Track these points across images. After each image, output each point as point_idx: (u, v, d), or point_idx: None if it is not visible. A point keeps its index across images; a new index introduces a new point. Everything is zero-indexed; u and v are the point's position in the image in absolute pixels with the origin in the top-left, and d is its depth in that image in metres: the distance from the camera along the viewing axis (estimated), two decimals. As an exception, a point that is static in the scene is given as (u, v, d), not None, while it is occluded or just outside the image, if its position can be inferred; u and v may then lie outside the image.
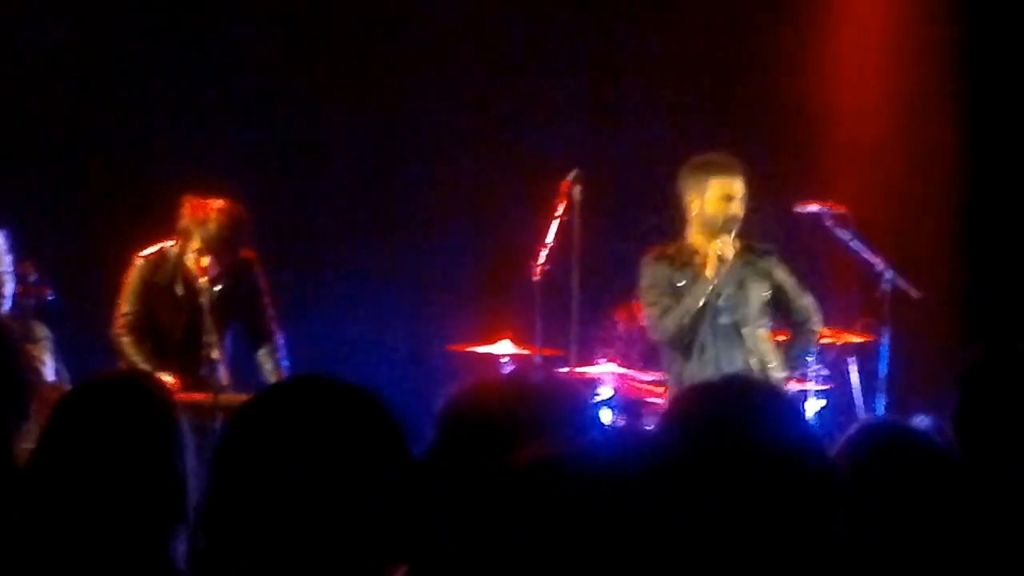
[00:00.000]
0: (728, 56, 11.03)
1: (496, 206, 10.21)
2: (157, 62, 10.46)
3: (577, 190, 8.40)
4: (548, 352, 8.75)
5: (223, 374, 8.18)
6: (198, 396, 7.99)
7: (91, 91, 10.36)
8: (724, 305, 8.10)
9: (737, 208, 8.07)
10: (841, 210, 9.02)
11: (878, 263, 9.03)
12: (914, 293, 9.07)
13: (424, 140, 10.86)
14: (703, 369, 8.07)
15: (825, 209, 9.01)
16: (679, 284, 8.14)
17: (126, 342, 8.35)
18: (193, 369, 8.18)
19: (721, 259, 8.04)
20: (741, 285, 8.18)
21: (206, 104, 10.35)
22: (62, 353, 8.34)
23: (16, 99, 10.20)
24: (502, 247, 9.65)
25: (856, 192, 9.99)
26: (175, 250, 8.33)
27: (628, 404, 9.20)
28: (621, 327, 9.44)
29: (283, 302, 8.79)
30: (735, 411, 3.16)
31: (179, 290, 8.33)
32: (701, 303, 8.07)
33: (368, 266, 10.61)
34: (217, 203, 8.32)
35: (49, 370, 8.25)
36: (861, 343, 9.34)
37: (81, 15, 10.33)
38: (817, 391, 9.11)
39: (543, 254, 8.45)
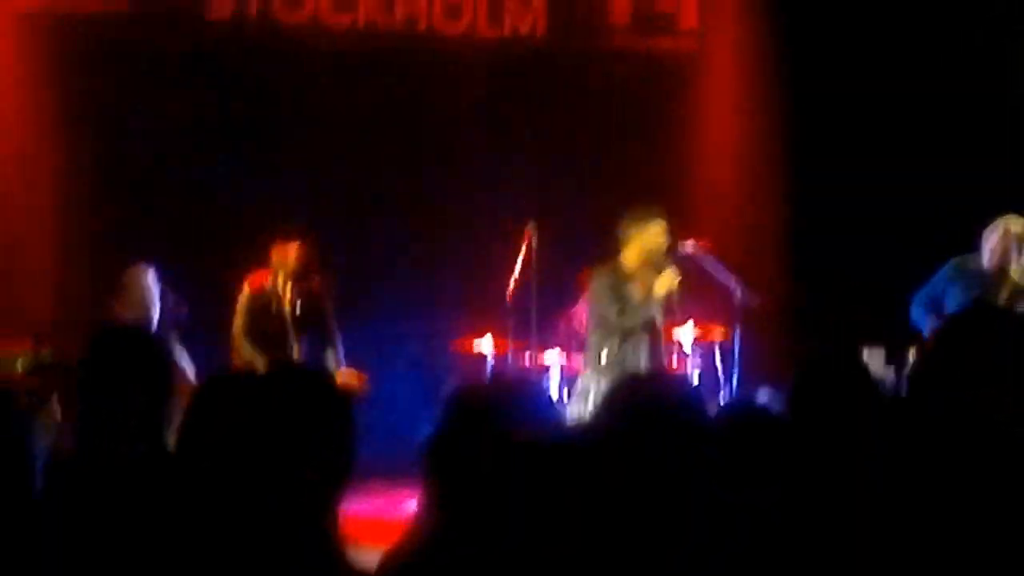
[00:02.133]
0: (629, 128, 12.13)
1: (483, 244, 11.01)
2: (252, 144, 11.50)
3: (534, 236, 10.00)
4: (517, 344, 10.30)
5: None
6: None
7: (211, 165, 11.37)
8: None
9: (665, 242, 9.30)
10: (705, 244, 10.12)
11: (732, 281, 10.15)
12: (756, 302, 10.22)
13: (435, 198, 11.86)
14: (629, 359, 9.22)
15: (696, 245, 10.07)
16: (620, 294, 9.25)
17: (243, 343, 9.77)
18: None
19: (670, 289, 9.25)
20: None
21: (283, 183, 11.39)
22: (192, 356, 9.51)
23: (154, 171, 11.37)
24: (488, 274, 10.50)
25: (716, 228, 11.05)
26: (269, 280, 9.80)
27: (570, 376, 10.35)
28: (563, 328, 10.82)
29: (340, 313, 9.97)
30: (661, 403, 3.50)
31: (273, 307, 9.77)
32: (641, 320, 9.23)
33: (394, 283, 11.59)
34: (294, 246, 9.78)
35: (188, 370, 9.34)
36: (722, 337, 10.51)
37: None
38: (694, 367, 10.36)
39: (512, 281, 10.01)
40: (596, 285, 9.44)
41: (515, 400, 3.64)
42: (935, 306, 9.72)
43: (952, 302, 9.62)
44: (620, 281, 9.36)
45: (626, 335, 9.36)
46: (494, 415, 3.51)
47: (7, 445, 3.28)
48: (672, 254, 9.57)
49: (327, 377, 3.75)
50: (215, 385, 3.79)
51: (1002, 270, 9.49)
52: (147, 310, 9.54)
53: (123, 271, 9.68)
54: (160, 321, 9.61)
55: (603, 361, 9.42)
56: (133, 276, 9.65)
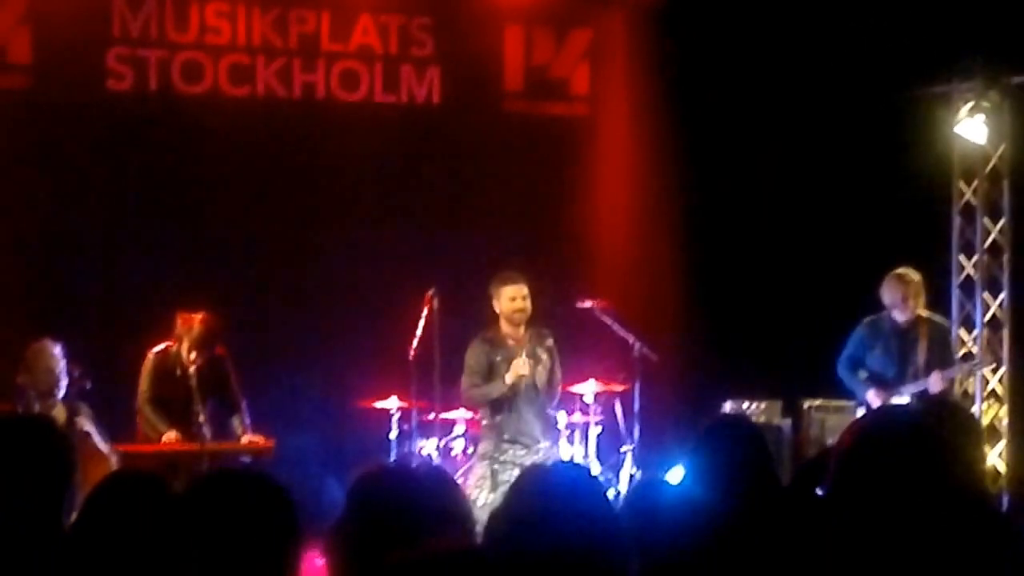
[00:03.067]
0: (525, 191, 12.27)
1: (384, 308, 10.91)
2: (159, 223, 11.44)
3: (435, 300, 10.04)
4: (421, 404, 10.25)
5: (207, 430, 9.45)
6: (191, 446, 9.40)
7: (112, 237, 11.37)
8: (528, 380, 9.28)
9: (521, 305, 9.31)
10: (605, 303, 10.39)
11: (630, 337, 10.32)
12: (654, 357, 10.40)
13: (335, 265, 11.80)
14: (511, 419, 9.33)
15: (594, 303, 10.37)
16: (496, 359, 9.30)
17: (148, 410, 9.70)
18: (188, 428, 9.49)
19: (520, 375, 9.24)
20: (535, 358, 9.37)
21: (185, 252, 11.38)
22: (99, 421, 9.39)
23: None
24: (390, 337, 10.40)
25: (613, 286, 11.32)
26: (173, 348, 9.72)
27: (474, 436, 10.26)
28: None
29: (246, 377, 9.92)
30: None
31: (177, 374, 9.63)
32: (496, 395, 9.25)
33: (296, 347, 11.57)
34: (199, 316, 9.74)
35: (95, 435, 9.27)
36: (622, 390, 10.53)
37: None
38: (596, 421, 10.44)
39: (415, 341, 10.02)
40: (467, 354, 9.54)
41: (418, 493, 3.60)
42: (857, 368, 10.02)
43: (875, 363, 9.97)
44: (491, 349, 9.43)
45: (498, 402, 9.42)
46: (395, 509, 3.48)
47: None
48: (536, 323, 9.59)
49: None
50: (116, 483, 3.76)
51: (917, 318, 9.78)
52: (53, 383, 9.40)
53: (27, 346, 9.51)
54: (66, 393, 9.49)
55: (483, 423, 9.56)
56: (39, 351, 9.49)
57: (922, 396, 9.61)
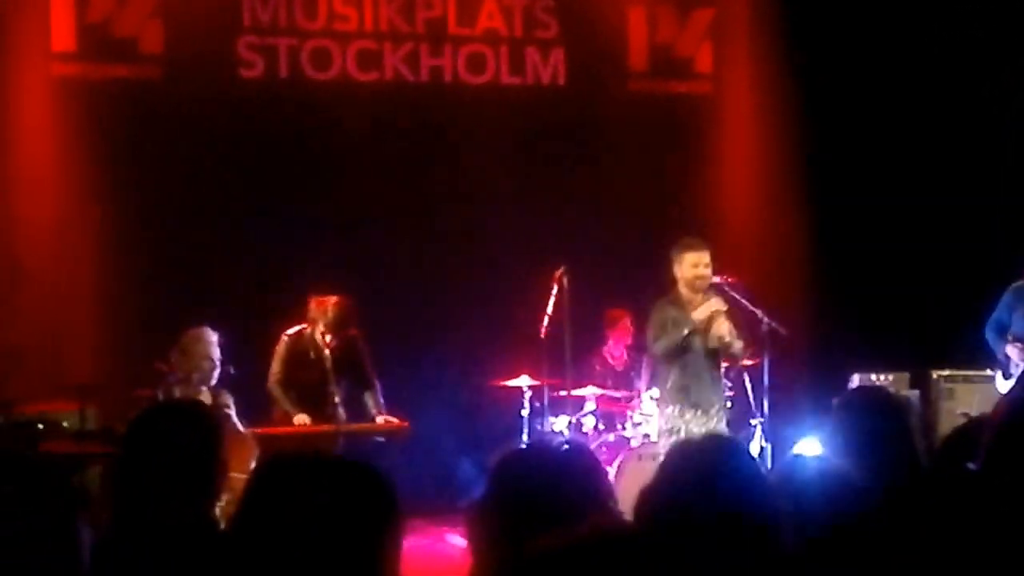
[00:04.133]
0: (650, 169, 12.09)
1: (515, 287, 10.78)
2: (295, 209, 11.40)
3: (565, 278, 10.01)
4: (552, 382, 10.22)
5: (342, 412, 9.47)
6: (327, 427, 9.37)
7: (246, 223, 11.31)
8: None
9: (703, 272, 9.18)
10: (734, 279, 9.92)
11: (759, 312, 10.08)
12: (783, 331, 10.15)
13: (464, 246, 11.74)
14: (691, 384, 9.14)
15: (723, 279, 9.80)
16: (665, 322, 9.18)
17: (278, 392, 9.71)
18: (322, 409, 9.50)
19: (708, 313, 9.14)
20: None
21: (317, 236, 11.26)
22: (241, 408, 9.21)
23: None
24: (522, 317, 10.47)
25: (741, 262, 10.96)
26: (308, 331, 9.71)
27: (604, 413, 10.40)
28: (598, 365, 10.91)
29: (378, 359, 9.89)
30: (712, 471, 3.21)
31: (311, 356, 9.64)
32: (685, 335, 9.08)
33: (428, 328, 11.49)
34: (333, 299, 9.71)
35: (235, 419, 9.03)
36: (751, 365, 10.31)
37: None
38: (726, 396, 9.94)
39: (545, 320, 10.05)
40: (652, 314, 9.41)
41: (560, 472, 3.48)
42: (1004, 331, 9.73)
43: (1020, 326, 9.66)
44: (671, 311, 9.27)
45: (671, 360, 9.23)
46: (538, 489, 3.37)
47: (59, 527, 3.05)
48: (717, 285, 9.45)
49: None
50: (275, 466, 3.42)
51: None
52: (209, 370, 9.27)
53: (183, 331, 9.37)
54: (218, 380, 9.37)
55: (666, 388, 9.34)
56: (197, 337, 9.33)
57: None
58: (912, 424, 4.96)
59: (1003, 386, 9.47)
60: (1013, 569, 2.92)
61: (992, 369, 9.91)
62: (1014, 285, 9.76)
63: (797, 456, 4.30)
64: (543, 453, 3.73)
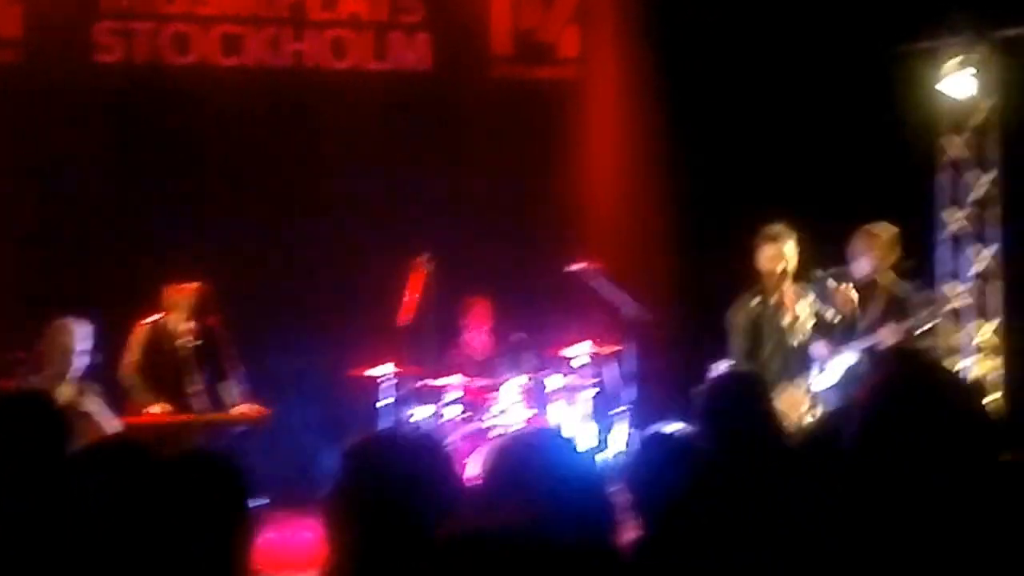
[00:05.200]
0: (514, 155, 11.80)
1: (378, 275, 10.51)
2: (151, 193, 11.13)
3: (427, 266, 9.88)
4: (414, 371, 10.05)
5: (201, 401, 9.37)
6: (185, 417, 9.21)
7: (103, 209, 11.01)
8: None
9: (774, 265, 8.90)
10: (596, 266, 10.17)
11: (623, 299, 10.12)
12: (647, 318, 10.20)
13: (326, 233, 11.46)
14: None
15: (585, 266, 10.17)
16: (749, 326, 9.01)
17: (133, 380, 9.44)
18: (180, 399, 9.34)
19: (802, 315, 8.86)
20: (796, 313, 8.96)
21: (176, 224, 10.95)
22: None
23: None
24: (383, 305, 10.13)
25: (605, 248, 11.05)
26: (165, 319, 9.51)
27: (466, 402, 10.18)
28: (460, 354, 10.67)
29: (238, 347, 9.55)
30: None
31: (167, 345, 9.45)
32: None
33: (290, 317, 11.17)
34: (190, 286, 9.51)
35: (101, 413, 8.78)
36: (616, 352, 10.26)
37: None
38: (591, 384, 10.21)
39: (408, 308, 9.87)
40: (730, 322, 9.23)
41: (412, 460, 3.42)
42: None
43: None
44: (753, 311, 9.06)
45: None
46: (388, 476, 3.34)
47: None
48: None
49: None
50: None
51: (873, 281, 9.13)
52: (67, 364, 8.92)
53: (48, 323, 9.06)
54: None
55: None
56: (57, 329, 9.02)
57: (873, 350, 8.92)
58: (772, 406, 5.06)
59: (817, 383, 9.20)
60: (875, 543, 2.89)
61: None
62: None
63: (654, 435, 4.30)
64: (390, 441, 3.68)
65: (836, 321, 8.94)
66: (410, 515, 3.16)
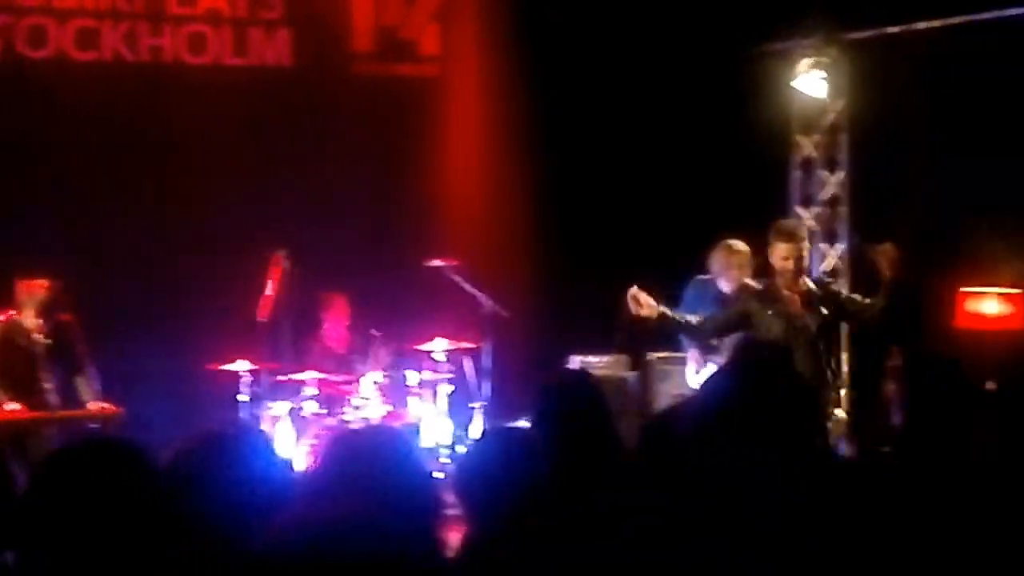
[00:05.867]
0: (376, 152, 11.81)
1: (234, 271, 10.37)
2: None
3: (285, 261, 9.88)
4: (272, 366, 10.00)
5: (54, 398, 9.31)
6: (39, 414, 9.13)
7: None
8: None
9: (790, 267, 8.33)
10: (454, 262, 10.27)
11: (480, 295, 10.24)
12: (504, 314, 10.34)
13: (183, 229, 11.20)
14: None
15: (444, 262, 10.27)
16: (764, 310, 8.43)
17: None
18: (33, 396, 9.23)
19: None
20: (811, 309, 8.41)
21: (30, 219, 10.73)
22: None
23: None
24: (240, 300, 10.15)
25: (470, 247, 11.07)
26: (16, 316, 9.33)
27: (325, 397, 10.13)
28: (317, 349, 10.57)
29: (92, 344, 9.53)
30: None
31: (21, 343, 9.32)
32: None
33: (146, 313, 10.95)
34: (42, 283, 9.37)
35: None
36: (472, 348, 10.37)
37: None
38: (447, 379, 10.27)
39: (265, 303, 9.84)
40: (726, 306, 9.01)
41: (233, 453, 3.42)
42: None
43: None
44: (760, 300, 8.62)
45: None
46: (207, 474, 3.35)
47: None
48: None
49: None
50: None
51: (741, 287, 9.18)
52: None
53: None
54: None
55: None
56: None
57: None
58: (609, 404, 4.97)
59: (693, 379, 9.38)
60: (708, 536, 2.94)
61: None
62: (696, 279, 9.72)
63: (489, 431, 4.58)
64: (214, 440, 3.58)
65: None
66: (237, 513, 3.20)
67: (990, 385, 9.96)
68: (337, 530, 2.89)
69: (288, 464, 3.68)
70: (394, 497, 3.15)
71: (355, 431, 3.91)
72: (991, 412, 9.13)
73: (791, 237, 8.50)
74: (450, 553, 3.56)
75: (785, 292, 8.42)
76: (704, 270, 9.70)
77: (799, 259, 8.42)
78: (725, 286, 9.38)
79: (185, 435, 3.48)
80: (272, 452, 3.54)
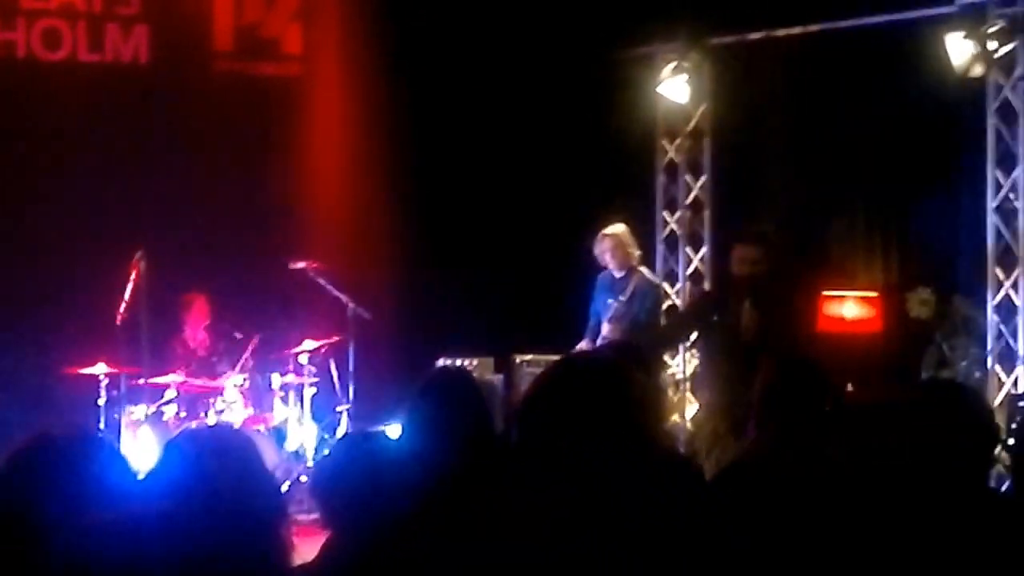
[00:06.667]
0: (236, 152, 11.50)
1: (91, 271, 10.19)
2: None
3: (142, 262, 9.59)
4: (131, 369, 9.77)
5: None
6: None
7: None
8: None
9: (743, 268, 8.33)
10: (317, 264, 10.21)
11: (344, 297, 10.18)
12: (367, 316, 10.29)
13: (39, 228, 10.94)
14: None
15: (307, 264, 10.20)
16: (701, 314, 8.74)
17: None
18: None
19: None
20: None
21: None
22: None
23: None
24: (98, 301, 9.87)
25: (334, 248, 11.04)
26: None
27: (186, 400, 10.04)
28: (179, 351, 10.42)
29: None
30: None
31: None
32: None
33: (5, 315, 10.62)
34: None
35: None
36: (337, 350, 10.31)
37: None
38: (311, 382, 10.24)
39: (123, 305, 9.62)
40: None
41: (68, 457, 3.35)
42: (598, 322, 9.63)
43: (605, 315, 9.58)
44: (711, 310, 8.63)
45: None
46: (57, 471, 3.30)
47: None
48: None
49: None
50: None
51: (629, 271, 9.52)
52: None
53: None
54: None
55: None
56: None
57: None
58: (487, 403, 4.86)
59: None
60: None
61: None
62: (600, 275, 9.71)
63: (360, 436, 4.27)
64: (47, 443, 3.44)
65: None
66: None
67: (850, 388, 10.05)
68: (172, 529, 2.94)
69: (130, 468, 3.50)
70: (232, 498, 3.10)
71: (195, 431, 3.73)
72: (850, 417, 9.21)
73: (745, 240, 8.51)
74: (307, 558, 3.56)
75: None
76: (576, 268, 9.88)
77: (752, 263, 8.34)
78: (614, 272, 9.55)
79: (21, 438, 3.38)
80: (113, 455, 3.47)
